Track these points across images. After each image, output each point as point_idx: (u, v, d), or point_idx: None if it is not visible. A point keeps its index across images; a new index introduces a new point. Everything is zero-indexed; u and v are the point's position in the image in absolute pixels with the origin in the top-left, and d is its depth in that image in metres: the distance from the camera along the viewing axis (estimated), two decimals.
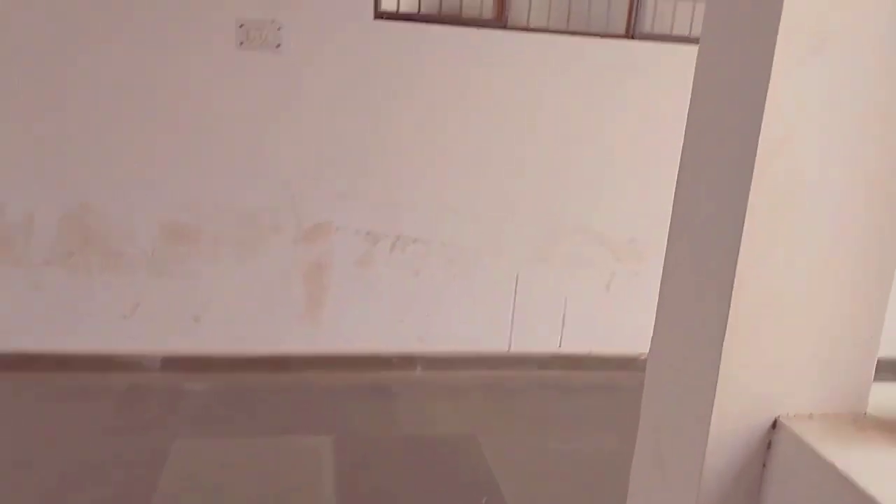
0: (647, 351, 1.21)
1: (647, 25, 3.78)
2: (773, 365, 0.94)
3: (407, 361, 3.80)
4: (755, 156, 0.88)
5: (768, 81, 0.86)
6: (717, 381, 0.94)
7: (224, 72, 3.34)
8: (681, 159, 1.09)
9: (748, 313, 0.92)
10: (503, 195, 3.72)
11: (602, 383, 3.89)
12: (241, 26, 3.23)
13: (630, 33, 3.74)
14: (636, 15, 3.74)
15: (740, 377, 0.94)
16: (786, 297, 0.93)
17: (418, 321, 3.78)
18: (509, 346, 3.90)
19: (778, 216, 0.90)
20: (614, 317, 3.96)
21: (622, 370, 3.98)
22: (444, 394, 3.65)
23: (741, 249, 0.90)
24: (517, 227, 3.77)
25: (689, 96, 1.07)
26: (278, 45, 3.30)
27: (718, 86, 0.99)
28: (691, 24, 3.81)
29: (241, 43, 3.24)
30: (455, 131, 3.61)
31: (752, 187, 0.89)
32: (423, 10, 3.55)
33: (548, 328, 3.92)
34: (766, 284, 0.92)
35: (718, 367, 0.93)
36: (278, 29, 3.28)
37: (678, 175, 1.09)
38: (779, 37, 0.85)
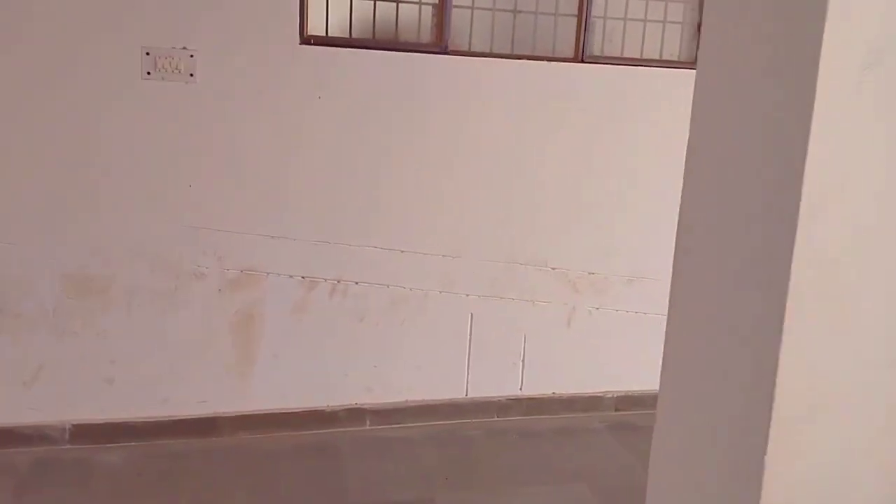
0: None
1: (596, 48, 3.60)
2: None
3: (354, 416, 3.45)
4: (797, 214, 0.60)
5: (811, 111, 0.59)
6: None
7: (129, 105, 3.01)
8: (680, 220, 0.82)
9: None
10: (452, 229, 3.44)
11: (567, 427, 3.61)
12: (147, 54, 2.92)
13: (579, 56, 3.55)
14: (585, 37, 3.55)
15: None
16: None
17: (365, 371, 3.44)
18: (466, 391, 3.59)
19: (827, 290, 0.62)
20: (576, 354, 3.69)
21: (587, 412, 3.73)
22: (397, 450, 3.32)
23: (783, 346, 0.62)
24: (469, 264, 3.49)
25: (684, 138, 0.80)
26: (191, 75, 2.99)
27: (730, 120, 0.72)
28: (642, 45, 3.65)
29: (148, 73, 2.92)
30: (395, 162, 3.34)
31: (794, 255, 0.61)
32: (354, 34, 3.30)
33: (507, 370, 3.63)
34: (815, 385, 0.64)
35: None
36: (191, 56, 2.98)
37: (678, 239, 0.82)
38: (823, 52, 0.58)
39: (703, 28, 0.83)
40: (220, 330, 3.23)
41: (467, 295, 3.52)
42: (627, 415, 3.74)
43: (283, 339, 3.31)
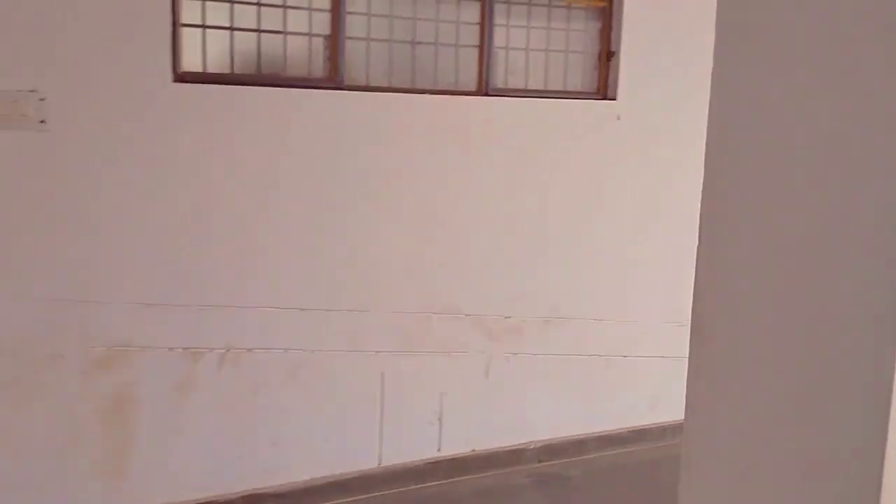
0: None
1: (500, 80, 3.39)
2: None
3: (252, 503, 3.01)
4: None
5: None
6: None
7: None
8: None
9: None
10: (355, 281, 3.11)
11: (490, 487, 3.34)
12: None
13: (483, 89, 3.33)
14: (488, 69, 3.34)
15: None
16: None
17: (262, 450, 3.03)
18: (379, 460, 3.24)
19: None
20: (495, 406, 3.44)
21: (510, 466, 3.46)
22: None
23: None
24: (376, 318, 3.16)
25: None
26: (42, 121, 2.52)
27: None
28: (546, 75, 3.48)
29: None
30: (287, 209, 2.97)
31: None
32: (237, 69, 2.92)
33: (423, 430, 3.32)
34: None
35: None
36: (41, 100, 2.51)
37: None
38: None
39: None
40: (86, 421, 2.73)
41: (377, 352, 3.19)
42: (552, 466, 3.52)
43: (164, 423, 2.85)
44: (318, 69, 3.06)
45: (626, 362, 3.65)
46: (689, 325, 0.75)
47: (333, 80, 3.04)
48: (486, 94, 3.32)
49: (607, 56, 3.54)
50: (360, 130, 3.04)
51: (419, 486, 3.31)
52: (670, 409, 3.79)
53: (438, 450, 3.35)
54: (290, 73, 3.02)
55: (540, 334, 3.47)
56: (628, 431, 3.69)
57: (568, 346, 3.53)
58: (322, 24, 3.02)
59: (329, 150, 2.99)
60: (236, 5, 2.88)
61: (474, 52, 3.32)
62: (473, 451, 3.42)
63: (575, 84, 3.55)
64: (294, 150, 2.95)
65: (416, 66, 3.25)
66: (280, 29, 2.97)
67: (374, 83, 3.14)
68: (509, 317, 3.41)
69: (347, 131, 3.02)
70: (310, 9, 3.00)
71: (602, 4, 3.49)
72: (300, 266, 3.01)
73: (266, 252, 2.96)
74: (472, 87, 3.33)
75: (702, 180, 0.75)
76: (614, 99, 3.48)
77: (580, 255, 3.49)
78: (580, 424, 3.61)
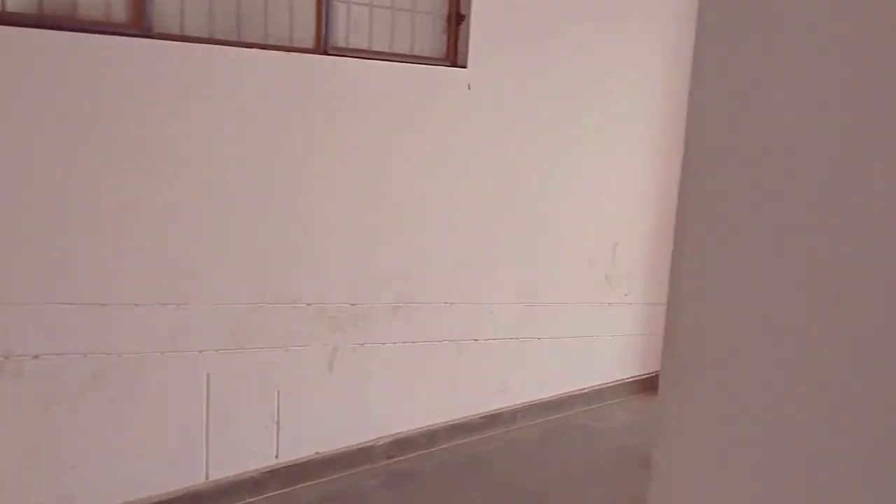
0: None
1: (340, 38, 3.02)
2: None
3: None
4: None
5: None
6: None
7: None
8: None
9: None
10: (175, 267, 2.63)
11: (336, 492, 3.02)
12: None
13: (321, 47, 2.94)
14: (326, 25, 2.95)
15: None
16: None
17: (60, 476, 2.49)
18: (206, 474, 2.81)
19: None
20: (341, 402, 3.13)
21: (357, 467, 3.18)
22: None
23: None
24: (201, 311, 2.71)
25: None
26: None
27: None
28: (392, 37, 3.15)
29: None
30: (82, 175, 2.42)
31: None
32: (9, 6, 2.29)
33: (258, 436, 2.92)
34: None
35: None
36: None
37: None
38: None
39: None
40: None
41: (200, 351, 2.74)
42: (401, 462, 3.27)
43: None
44: (120, 12, 2.51)
45: (476, 346, 3.48)
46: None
47: (139, 25, 2.50)
48: (325, 53, 2.93)
49: (457, 19, 3.28)
50: (170, 88, 2.54)
51: (254, 498, 2.92)
52: (520, 391, 3.69)
53: (276, 456, 2.98)
54: (84, 16, 2.44)
55: (389, 321, 3.19)
56: (480, 418, 3.53)
57: (418, 332, 3.28)
58: None
59: (130, 111, 2.47)
60: None
61: (311, 4, 2.91)
62: (317, 453, 3.08)
63: (423, 48, 3.26)
64: (85, 105, 2.39)
65: (243, 15, 2.79)
66: None
67: (190, 33, 2.64)
68: (355, 304, 3.09)
69: (155, 88, 2.51)
70: None
71: None
72: (98, 252, 2.47)
73: (55, 231, 2.39)
74: (310, 43, 2.93)
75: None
76: (464, 66, 3.24)
77: (429, 234, 3.23)
78: (431, 415, 3.39)
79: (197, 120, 2.60)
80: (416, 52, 3.24)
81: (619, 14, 3.68)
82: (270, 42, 2.84)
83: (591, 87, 3.66)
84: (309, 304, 2.97)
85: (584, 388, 3.93)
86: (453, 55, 3.28)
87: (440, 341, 3.36)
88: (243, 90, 2.69)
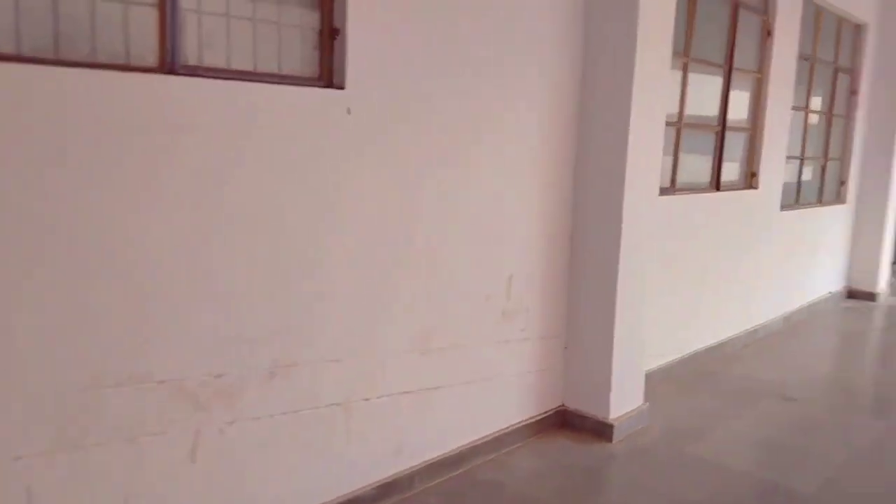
0: None
1: (191, 55, 2.48)
2: None
3: None
4: None
5: None
6: None
7: None
8: None
9: None
10: None
11: None
12: None
13: (166, 65, 2.39)
14: (173, 39, 2.40)
15: None
16: None
17: None
18: None
19: None
20: (208, 499, 2.58)
21: None
22: None
23: None
24: (9, 403, 2.08)
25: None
26: None
27: None
28: (254, 52, 2.65)
29: None
30: None
31: None
32: None
33: None
34: None
35: None
36: None
37: None
38: None
39: None
40: None
41: (17, 458, 2.10)
42: None
43: None
44: None
45: (368, 406, 3.04)
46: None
47: None
48: (172, 72, 2.39)
49: (330, 33, 2.83)
50: None
51: None
52: (416, 451, 3.28)
53: None
54: None
55: (263, 391, 2.68)
56: (373, 489, 3.08)
57: (300, 399, 2.79)
58: None
59: None
60: None
61: (153, 13, 2.36)
62: None
63: (292, 67, 2.78)
64: None
65: (62, 27, 2.19)
66: None
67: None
68: (220, 375, 2.55)
69: None
70: None
71: None
72: None
73: None
74: (152, 61, 2.37)
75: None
76: (342, 87, 2.79)
77: (308, 282, 2.76)
78: (318, 494, 2.90)
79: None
80: (285, 72, 2.76)
81: (517, 34, 3.39)
82: (99, 60, 2.26)
83: (488, 111, 3.34)
84: (161, 382, 2.40)
85: (485, 436, 3.60)
86: (328, 75, 2.83)
87: (326, 406, 2.89)
88: (65, 118, 2.09)
